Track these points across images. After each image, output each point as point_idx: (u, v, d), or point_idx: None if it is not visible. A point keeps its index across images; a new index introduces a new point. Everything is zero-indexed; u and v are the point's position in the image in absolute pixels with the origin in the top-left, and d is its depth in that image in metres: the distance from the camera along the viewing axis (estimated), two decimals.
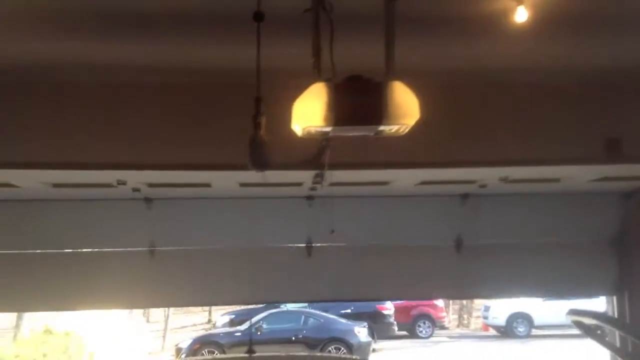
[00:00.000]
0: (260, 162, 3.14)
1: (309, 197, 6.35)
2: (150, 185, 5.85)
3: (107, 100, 4.99)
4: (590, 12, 4.05)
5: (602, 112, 5.57)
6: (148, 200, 6.26)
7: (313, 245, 6.53)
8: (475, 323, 25.07)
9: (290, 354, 5.55)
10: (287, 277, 6.56)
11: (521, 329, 21.71)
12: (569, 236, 6.70)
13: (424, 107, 5.35)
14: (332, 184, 5.92)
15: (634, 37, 4.43)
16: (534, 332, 21.76)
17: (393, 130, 3.25)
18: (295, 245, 6.61)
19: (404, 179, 5.80)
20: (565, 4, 3.93)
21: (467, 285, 6.80)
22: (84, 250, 6.37)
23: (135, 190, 5.87)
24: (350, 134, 3.26)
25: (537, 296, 6.90)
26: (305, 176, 5.59)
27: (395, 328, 21.54)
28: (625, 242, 6.72)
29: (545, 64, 5.01)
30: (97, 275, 6.29)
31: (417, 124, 3.29)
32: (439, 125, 5.40)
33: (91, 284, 6.29)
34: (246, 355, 3.81)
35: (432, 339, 22.46)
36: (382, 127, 3.17)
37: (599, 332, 4.63)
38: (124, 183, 5.55)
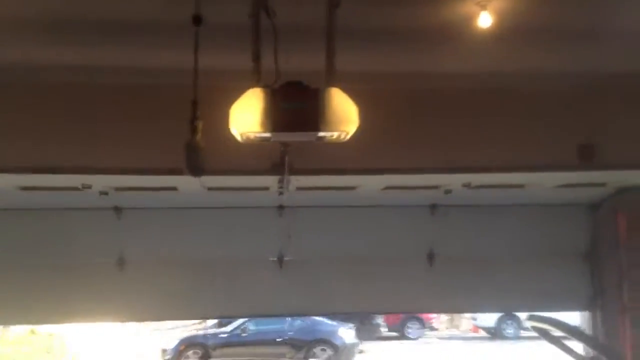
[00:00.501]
0: (195, 167, 3.12)
1: (280, 207, 6.30)
2: (117, 189, 5.80)
3: (66, 103, 4.97)
4: (560, 20, 4.05)
5: (574, 119, 5.55)
6: (118, 210, 6.19)
7: (284, 257, 6.45)
8: (466, 324, 25.06)
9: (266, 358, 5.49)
10: (259, 289, 6.47)
11: (510, 331, 21.71)
12: (540, 249, 6.65)
13: (389, 114, 5.44)
14: (299, 188, 5.90)
15: (606, 45, 4.42)
16: (523, 333, 21.75)
17: (334, 137, 3.24)
18: (267, 257, 6.52)
19: (369, 184, 5.78)
20: (534, 12, 3.92)
21: (439, 298, 6.73)
22: (52, 261, 6.23)
23: (103, 193, 5.82)
24: (291, 140, 3.25)
25: (510, 311, 6.77)
26: (269, 181, 5.57)
27: (384, 329, 21.50)
28: (597, 256, 6.67)
29: (513, 70, 5.01)
30: (65, 287, 6.17)
31: (360, 130, 3.29)
32: (403, 131, 5.42)
33: (59, 297, 6.17)
34: None
35: (421, 340, 22.43)
36: (321, 134, 3.15)
37: (558, 337, 4.61)
38: (89, 187, 5.50)
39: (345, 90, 3.37)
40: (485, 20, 3.87)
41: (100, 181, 5.44)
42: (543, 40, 4.36)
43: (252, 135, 3.16)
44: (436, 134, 5.44)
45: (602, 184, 6.11)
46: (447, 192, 6.01)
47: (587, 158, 5.46)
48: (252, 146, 4.86)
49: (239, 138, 3.20)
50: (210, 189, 5.85)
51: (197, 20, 3.15)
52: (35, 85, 4.86)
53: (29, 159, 4.92)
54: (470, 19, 3.91)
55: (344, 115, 3.11)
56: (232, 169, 5.15)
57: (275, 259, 6.48)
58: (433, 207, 6.44)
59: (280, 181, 5.34)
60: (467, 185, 5.73)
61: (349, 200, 6.32)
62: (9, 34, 3.92)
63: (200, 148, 3.11)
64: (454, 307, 6.92)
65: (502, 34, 4.05)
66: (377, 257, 6.54)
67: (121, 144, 4.92)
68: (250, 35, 3.18)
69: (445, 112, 5.38)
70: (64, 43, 4.01)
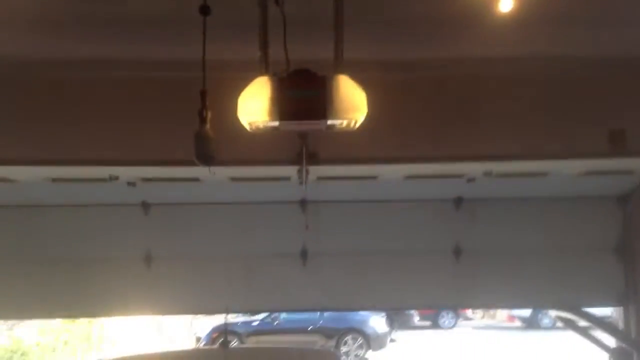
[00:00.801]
0: (205, 156, 3.14)
1: (303, 202, 6.29)
2: (144, 179, 5.89)
3: (95, 97, 5.05)
4: (586, 3, 3.92)
5: (603, 104, 5.40)
6: (146, 205, 6.27)
7: (308, 252, 6.44)
8: (502, 314, 24.78)
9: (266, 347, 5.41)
10: (282, 285, 6.42)
11: (546, 320, 21.40)
12: (569, 243, 6.45)
13: (410, 102, 5.36)
14: (320, 178, 5.89)
15: (635, 29, 4.28)
16: (559, 323, 21.35)
17: (343, 125, 3.21)
18: (290, 252, 6.46)
19: (390, 172, 5.73)
20: None
21: (467, 294, 6.58)
22: (81, 256, 6.30)
23: (131, 184, 5.91)
24: (299, 129, 3.24)
25: (539, 307, 6.50)
26: (289, 171, 5.58)
27: (417, 318, 21.40)
28: (628, 249, 6.44)
29: (537, 55, 4.89)
30: (94, 283, 6.24)
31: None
32: (424, 120, 5.33)
33: (87, 292, 6.25)
34: (219, 348, 3.83)
35: (455, 329, 22.27)
36: (330, 122, 3.13)
37: (584, 327, 4.51)
38: (116, 178, 5.59)
39: (365, 78, 3.36)
40: (506, 5, 3.78)
41: (127, 172, 5.53)
42: (568, 24, 4.25)
43: (260, 125, 3.16)
44: (459, 122, 5.35)
45: (630, 172, 5.93)
46: (470, 180, 5.92)
47: (618, 143, 5.32)
48: (274, 136, 4.94)
49: (247, 127, 3.20)
50: (233, 179, 5.89)
51: (205, 10, 3.15)
52: (61, 80, 4.95)
53: (57, 151, 5.03)
54: (490, 3, 3.82)
55: (352, 102, 3.08)
56: (253, 160, 5.18)
57: (298, 254, 6.46)
58: (458, 201, 6.32)
59: (300, 171, 5.33)
60: (488, 174, 5.63)
61: (373, 194, 6.26)
62: (29, 29, 4.00)
63: (209, 137, 3.12)
64: (482, 303, 6.74)
65: (523, 19, 3.95)
66: (401, 252, 6.42)
67: (145, 136, 4.99)
68: (258, 24, 3.17)
69: (467, 99, 5.30)
70: (85, 37, 4.07)
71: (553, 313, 4.53)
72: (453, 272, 6.41)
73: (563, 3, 3.92)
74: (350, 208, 6.36)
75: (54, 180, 5.74)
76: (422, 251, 6.41)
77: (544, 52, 4.84)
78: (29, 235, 6.29)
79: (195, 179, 5.83)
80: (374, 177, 5.90)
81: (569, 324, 4.48)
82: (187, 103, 5.15)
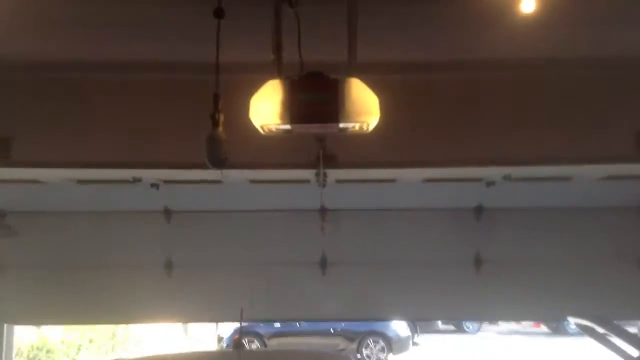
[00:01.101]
0: (217, 159, 3.14)
1: (322, 210, 6.26)
2: (166, 182, 5.94)
3: (112, 99, 5.11)
4: (609, 2, 3.84)
5: (627, 105, 5.30)
6: (167, 212, 6.31)
7: (327, 261, 6.42)
8: None
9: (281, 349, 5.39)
10: (301, 293, 6.43)
11: (573, 326, 21.05)
12: (593, 254, 6.33)
13: (428, 104, 5.31)
14: (339, 181, 5.87)
15: None
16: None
17: (356, 128, 3.20)
18: (310, 261, 6.47)
19: (408, 175, 5.68)
20: None
21: (488, 306, 6.51)
22: (103, 263, 6.40)
23: (154, 185, 5.97)
24: (312, 132, 3.23)
25: (562, 319, 6.36)
26: (307, 174, 5.58)
27: (440, 322, 21.22)
28: None
29: (559, 56, 4.81)
30: (116, 289, 6.34)
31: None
32: (444, 121, 5.28)
33: (109, 298, 6.34)
34: (234, 351, 3.85)
35: (479, 334, 22.03)
36: (342, 125, 3.11)
37: (603, 334, 4.42)
38: (139, 179, 5.65)
39: (380, 80, 3.34)
40: (529, 6, 3.71)
41: (147, 174, 5.58)
42: (592, 24, 4.17)
43: (272, 128, 3.16)
44: (476, 125, 5.29)
45: None
46: (489, 184, 5.84)
47: None
48: (291, 139, 4.93)
49: (260, 130, 3.20)
50: (252, 181, 5.91)
51: (219, 13, 3.16)
52: (83, 82, 5.03)
53: (81, 154, 5.10)
54: (510, 4, 3.76)
55: (364, 106, 3.06)
56: (270, 163, 5.20)
57: (317, 262, 6.44)
58: (478, 210, 6.24)
59: (317, 174, 5.33)
60: (507, 178, 5.56)
61: (392, 202, 6.23)
62: (50, 30, 4.06)
63: (221, 140, 3.13)
64: (503, 315, 6.65)
65: (545, 19, 3.89)
66: (421, 262, 6.38)
67: (167, 139, 5.03)
68: (272, 27, 3.17)
69: (485, 102, 5.23)
70: (101, 39, 4.12)
71: (572, 320, 4.43)
72: (473, 283, 6.32)
73: (583, 3, 3.85)
74: (369, 217, 6.34)
75: (80, 181, 5.83)
76: (442, 261, 6.34)
77: (564, 53, 4.76)
78: (54, 242, 6.38)
79: (217, 181, 5.87)
80: (392, 181, 5.87)
81: (588, 331, 4.39)
82: (205, 105, 5.22)
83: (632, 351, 4.35)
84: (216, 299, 6.37)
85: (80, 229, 6.40)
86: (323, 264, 6.37)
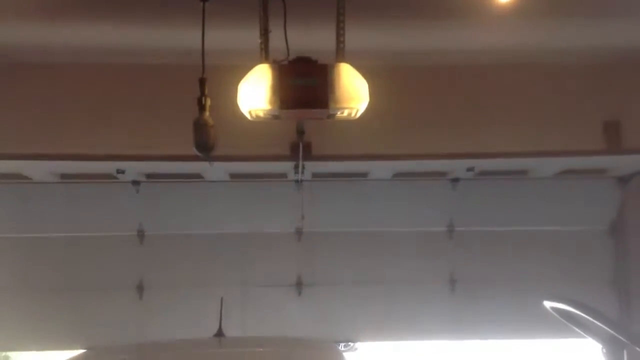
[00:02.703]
0: (205, 145, 3.08)
1: (298, 231, 6.23)
2: (149, 176, 5.86)
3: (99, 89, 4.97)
4: None
5: (599, 97, 5.39)
6: (140, 234, 6.15)
7: (303, 283, 6.42)
8: None
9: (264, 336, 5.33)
10: (277, 316, 6.24)
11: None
12: (565, 275, 6.42)
13: (405, 94, 5.33)
14: (315, 175, 5.89)
15: (635, 19, 4.27)
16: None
17: (345, 114, 3.17)
18: (286, 282, 6.32)
19: (380, 170, 5.75)
20: None
21: (464, 325, 6.56)
22: (75, 286, 6.11)
23: (135, 183, 5.92)
24: (301, 118, 3.19)
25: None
26: (285, 167, 5.57)
27: None
28: (623, 232, 6.48)
29: (536, 46, 4.84)
30: (86, 312, 6.08)
31: (374, 113, 3.20)
32: (419, 113, 5.31)
33: (76, 321, 6.08)
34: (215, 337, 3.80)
35: None
36: (331, 111, 3.09)
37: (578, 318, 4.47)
38: (122, 172, 5.54)
39: (361, 68, 3.32)
40: None
41: (134, 167, 5.49)
42: (567, 14, 4.22)
43: (261, 113, 3.11)
44: (455, 115, 5.34)
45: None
46: (454, 180, 5.97)
47: (613, 136, 5.30)
48: (271, 132, 4.89)
49: (247, 116, 3.15)
50: (232, 175, 5.87)
51: None
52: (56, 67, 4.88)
53: (65, 145, 4.93)
54: None
55: (354, 91, 3.04)
56: (250, 155, 5.17)
57: (294, 284, 6.42)
58: (450, 230, 6.35)
59: (296, 166, 5.33)
60: (471, 170, 5.66)
61: (366, 224, 6.29)
62: (21, 16, 3.92)
63: (208, 125, 3.06)
64: (480, 334, 6.72)
65: (524, 8, 3.93)
66: (398, 284, 6.39)
67: (147, 129, 4.94)
68: (259, 11, 3.12)
69: (456, 92, 5.28)
70: (79, 22, 3.99)
71: (548, 304, 4.48)
72: (449, 303, 6.39)
73: None
74: (344, 239, 6.34)
75: (63, 176, 5.72)
76: (417, 281, 6.37)
77: (539, 44, 4.81)
78: (25, 266, 6.18)
79: (198, 175, 5.80)
80: (364, 175, 5.93)
81: (564, 316, 4.46)
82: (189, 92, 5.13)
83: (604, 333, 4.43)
84: (190, 320, 6.20)
85: (53, 253, 6.17)
86: (299, 285, 6.38)
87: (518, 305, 6.23)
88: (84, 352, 3.55)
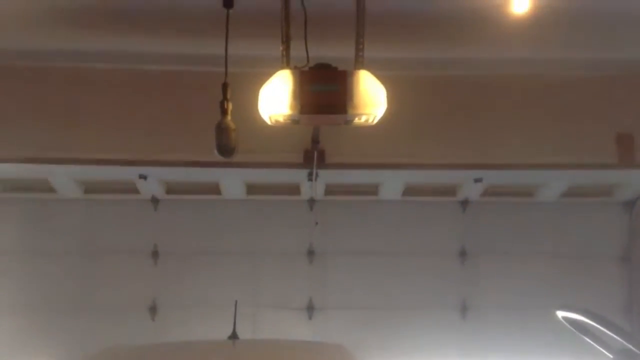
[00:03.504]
0: (226, 148, 3.15)
1: (310, 253, 6.32)
2: (168, 190, 5.98)
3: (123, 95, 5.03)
4: (597, 4, 3.94)
5: (611, 109, 5.38)
6: (155, 255, 6.23)
7: (315, 306, 6.45)
8: None
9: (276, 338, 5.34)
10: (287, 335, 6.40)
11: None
12: (576, 250, 6.46)
13: (418, 104, 5.38)
14: (327, 187, 5.97)
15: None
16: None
17: (362, 120, 3.24)
18: (297, 305, 6.37)
19: (391, 180, 5.84)
20: None
21: (474, 350, 6.58)
22: (89, 306, 6.18)
23: (154, 201, 6.03)
24: (320, 123, 3.26)
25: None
26: (300, 176, 5.65)
27: None
28: (634, 258, 6.40)
29: (547, 58, 4.89)
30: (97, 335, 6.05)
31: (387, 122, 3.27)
32: (427, 125, 5.35)
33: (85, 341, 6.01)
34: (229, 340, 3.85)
35: None
36: (349, 116, 3.16)
37: (592, 329, 4.47)
38: (144, 177, 5.60)
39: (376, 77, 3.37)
40: (520, 6, 3.78)
41: (154, 173, 5.55)
42: (578, 26, 4.26)
43: (281, 118, 3.18)
44: (467, 126, 5.37)
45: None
46: (464, 203, 6.04)
47: (626, 149, 5.30)
48: (285, 141, 4.95)
49: (267, 121, 3.22)
50: (249, 186, 5.97)
51: (228, 2, 3.19)
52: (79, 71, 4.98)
53: (88, 150, 5.02)
54: (503, 6, 3.84)
55: (372, 97, 3.11)
56: (265, 162, 5.25)
57: (305, 307, 6.45)
58: (463, 254, 6.39)
59: (310, 174, 5.42)
60: (479, 181, 5.74)
61: (379, 247, 6.31)
62: (48, 22, 4.03)
63: (230, 129, 3.14)
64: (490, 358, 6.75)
65: (535, 20, 3.98)
66: (407, 307, 6.36)
67: (171, 136, 5.01)
68: (280, 18, 3.20)
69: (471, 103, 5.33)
70: (103, 30, 4.09)
71: (560, 314, 4.47)
72: (459, 327, 6.40)
73: (574, 4, 3.95)
74: (356, 262, 6.38)
75: (85, 190, 5.85)
76: (428, 305, 6.39)
77: (557, 54, 4.85)
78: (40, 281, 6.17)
79: (216, 188, 5.92)
80: (374, 192, 6.02)
81: (577, 327, 4.46)
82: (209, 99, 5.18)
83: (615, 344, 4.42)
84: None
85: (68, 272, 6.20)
86: (310, 307, 6.41)
87: (530, 332, 6.27)
88: (102, 351, 3.60)
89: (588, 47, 4.70)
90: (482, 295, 6.34)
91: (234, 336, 3.97)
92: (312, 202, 6.21)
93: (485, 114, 5.38)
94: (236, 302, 4.12)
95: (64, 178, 5.65)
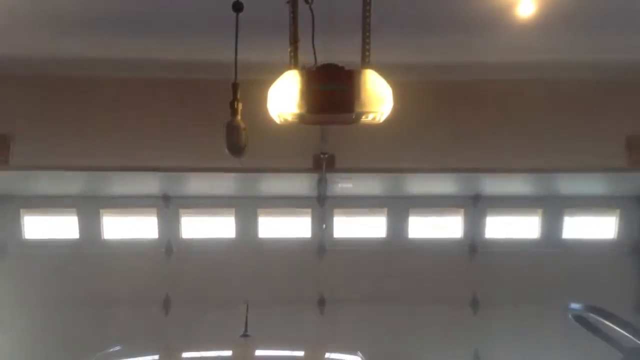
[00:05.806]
0: (236, 147, 3.21)
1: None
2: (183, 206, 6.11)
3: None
4: (604, 7, 3.97)
5: (621, 112, 5.40)
6: (166, 303, 6.36)
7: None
8: None
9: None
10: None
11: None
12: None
13: (429, 113, 5.43)
14: (334, 201, 6.11)
15: None
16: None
17: (369, 119, 3.29)
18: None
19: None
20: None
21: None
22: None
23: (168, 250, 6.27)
24: (328, 122, 3.32)
25: None
26: (308, 187, 5.76)
27: None
28: None
29: (553, 60, 4.93)
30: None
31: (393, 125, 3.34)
32: (436, 130, 5.40)
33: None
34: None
35: None
36: (356, 115, 3.21)
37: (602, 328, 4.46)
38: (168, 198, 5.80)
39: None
40: (526, 9, 3.82)
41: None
42: (587, 29, 4.30)
43: (289, 117, 3.24)
44: (475, 130, 5.43)
45: None
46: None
47: (636, 151, 5.31)
48: (294, 146, 5.03)
49: (276, 119, 3.29)
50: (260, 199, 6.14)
51: (238, 6, 3.27)
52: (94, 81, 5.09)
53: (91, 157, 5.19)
54: (510, 7, 3.87)
55: (379, 96, 3.17)
56: (275, 167, 5.33)
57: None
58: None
59: (320, 180, 5.50)
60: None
61: (386, 296, 6.41)
62: (62, 29, 4.13)
63: (240, 128, 3.20)
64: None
65: (544, 23, 4.01)
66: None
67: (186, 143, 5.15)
68: (289, 19, 3.28)
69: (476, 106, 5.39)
70: (113, 38, 4.18)
71: (570, 313, 4.46)
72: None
73: (580, 7, 3.98)
74: (366, 307, 6.41)
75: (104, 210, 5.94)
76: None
77: (559, 57, 4.88)
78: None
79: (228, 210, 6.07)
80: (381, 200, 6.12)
81: (585, 325, 4.45)
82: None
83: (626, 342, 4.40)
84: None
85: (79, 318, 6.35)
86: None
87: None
88: (114, 350, 3.65)
89: (596, 50, 4.72)
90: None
91: (245, 335, 4.02)
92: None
93: (494, 119, 5.45)
94: (247, 304, 4.17)
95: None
